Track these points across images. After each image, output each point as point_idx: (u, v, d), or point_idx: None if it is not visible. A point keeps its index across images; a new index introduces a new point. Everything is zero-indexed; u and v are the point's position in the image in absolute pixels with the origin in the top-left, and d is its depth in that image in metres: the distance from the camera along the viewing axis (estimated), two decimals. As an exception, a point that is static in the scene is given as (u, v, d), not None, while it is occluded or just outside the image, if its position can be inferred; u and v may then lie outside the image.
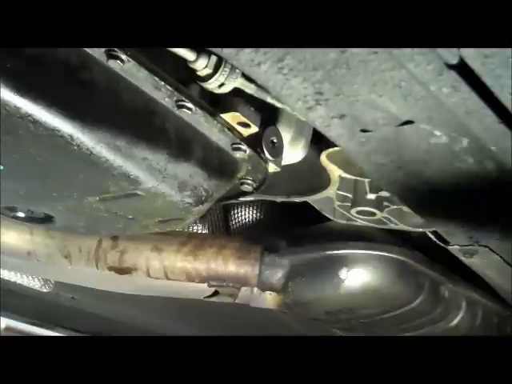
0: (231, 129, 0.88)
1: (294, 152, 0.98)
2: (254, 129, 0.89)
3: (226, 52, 0.63)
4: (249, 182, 0.96)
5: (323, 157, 1.04)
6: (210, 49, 0.75)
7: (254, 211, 1.52)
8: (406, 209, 1.04)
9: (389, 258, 1.29)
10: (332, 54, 0.59)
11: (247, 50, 0.61)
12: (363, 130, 0.70)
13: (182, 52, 0.76)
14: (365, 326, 1.41)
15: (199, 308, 1.71)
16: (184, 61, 0.78)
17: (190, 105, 0.81)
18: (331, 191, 1.13)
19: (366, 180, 1.09)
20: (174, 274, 1.31)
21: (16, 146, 0.76)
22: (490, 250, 1.04)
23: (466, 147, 0.68)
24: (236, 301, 1.36)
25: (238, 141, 0.89)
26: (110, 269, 1.33)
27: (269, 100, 0.83)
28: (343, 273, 1.27)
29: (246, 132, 0.89)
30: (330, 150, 1.01)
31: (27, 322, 2.45)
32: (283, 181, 1.10)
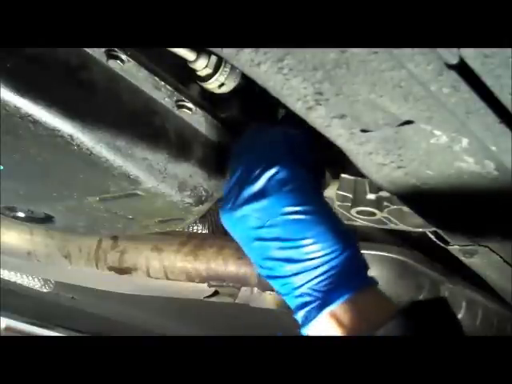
0: (231, 129, 0.88)
1: (293, 152, 0.98)
2: (254, 129, 0.89)
3: (226, 52, 0.63)
4: (249, 182, 0.96)
5: (323, 157, 1.04)
6: (210, 49, 0.75)
7: (254, 211, 1.52)
8: (405, 209, 1.04)
9: (389, 258, 1.29)
10: (332, 54, 0.59)
11: (247, 50, 0.61)
12: (363, 130, 0.70)
13: (182, 52, 0.76)
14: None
15: (199, 308, 1.71)
16: (184, 61, 0.78)
17: (190, 105, 0.81)
18: (331, 191, 1.13)
19: (366, 180, 1.09)
20: (173, 274, 1.31)
21: (16, 146, 0.76)
22: (490, 250, 1.04)
23: (466, 147, 0.68)
24: (236, 301, 1.36)
25: (239, 141, 0.89)
26: (110, 269, 1.33)
27: (269, 100, 0.83)
28: (343, 273, 1.27)
29: (246, 132, 0.89)
30: (330, 149, 1.01)
31: (27, 322, 2.45)
32: (283, 181, 1.10)
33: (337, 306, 0.78)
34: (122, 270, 1.33)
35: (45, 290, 1.73)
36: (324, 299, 0.78)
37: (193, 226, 1.49)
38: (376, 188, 1.04)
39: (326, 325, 0.78)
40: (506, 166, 0.70)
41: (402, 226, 1.15)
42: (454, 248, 1.04)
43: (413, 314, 0.76)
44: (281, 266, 0.79)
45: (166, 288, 1.39)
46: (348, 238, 0.81)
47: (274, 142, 0.81)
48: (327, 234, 0.78)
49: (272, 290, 1.33)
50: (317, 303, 0.79)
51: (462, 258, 1.09)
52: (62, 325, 2.41)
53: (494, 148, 0.67)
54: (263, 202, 0.78)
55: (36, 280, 1.70)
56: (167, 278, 1.32)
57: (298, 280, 0.79)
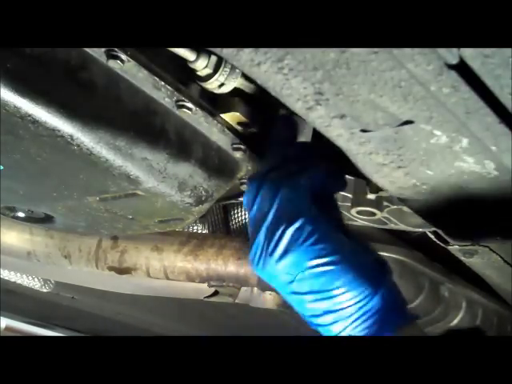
0: (231, 129, 0.88)
1: (294, 152, 0.98)
2: (254, 129, 0.89)
3: (225, 52, 0.63)
4: (249, 182, 0.96)
5: (323, 157, 1.04)
6: (210, 49, 0.75)
7: (254, 211, 1.51)
8: (405, 209, 1.04)
9: (389, 258, 1.29)
10: (332, 53, 0.59)
11: (247, 50, 0.61)
12: (363, 130, 0.70)
13: (182, 52, 0.76)
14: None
15: (199, 308, 1.71)
16: (184, 61, 0.78)
17: (189, 105, 0.81)
18: (331, 191, 1.13)
19: (366, 180, 1.09)
20: (173, 274, 1.31)
21: (16, 146, 0.76)
22: (490, 249, 1.04)
23: (466, 147, 0.68)
24: (236, 301, 1.36)
25: (238, 141, 0.89)
26: (110, 269, 1.34)
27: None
28: (343, 273, 1.26)
29: (246, 132, 0.89)
30: (330, 149, 1.01)
31: (27, 322, 2.45)
32: (283, 181, 1.09)
33: None
34: (122, 270, 1.33)
35: (45, 290, 1.73)
36: None
37: (193, 226, 1.49)
38: (376, 188, 1.04)
39: None
40: (506, 166, 0.70)
41: (402, 226, 1.16)
42: (454, 248, 1.04)
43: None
44: (319, 317, 0.80)
45: (166, 288, 1.39)
46: (378, 277, 0.81)
47: (296, 196, 0.81)
48: (356, 280, 0.78)
49: (272, 290, 1.33)
50: None
51: (462, 258, 1.09)
52: (62, 325, 2.41)
53: (494, 148, 0.67)
54: (289, 259, 0.79)
55: (36, 280, 1.70)
56: (167, 278, 1.32)
57: (336, 328, 0.80)
